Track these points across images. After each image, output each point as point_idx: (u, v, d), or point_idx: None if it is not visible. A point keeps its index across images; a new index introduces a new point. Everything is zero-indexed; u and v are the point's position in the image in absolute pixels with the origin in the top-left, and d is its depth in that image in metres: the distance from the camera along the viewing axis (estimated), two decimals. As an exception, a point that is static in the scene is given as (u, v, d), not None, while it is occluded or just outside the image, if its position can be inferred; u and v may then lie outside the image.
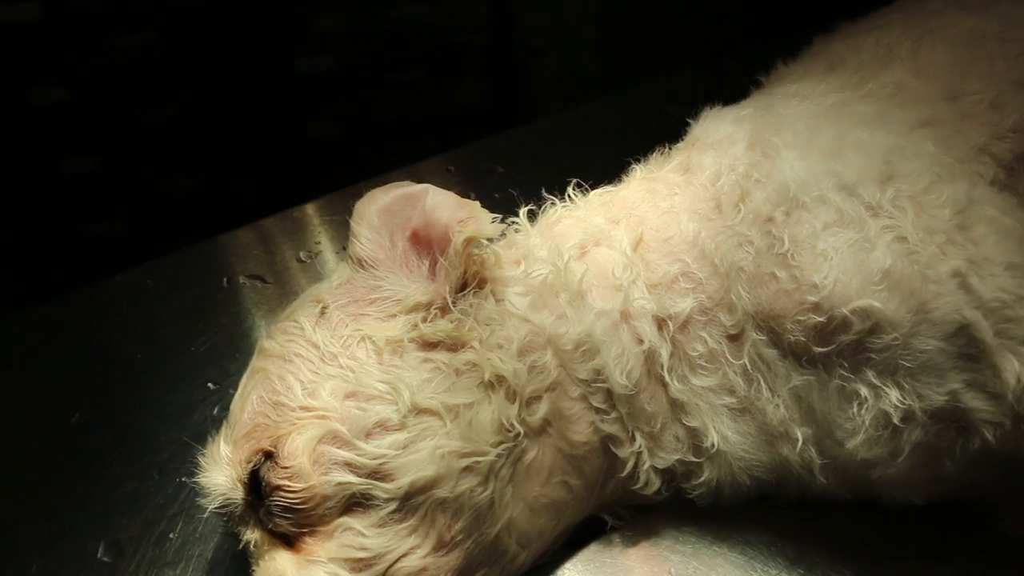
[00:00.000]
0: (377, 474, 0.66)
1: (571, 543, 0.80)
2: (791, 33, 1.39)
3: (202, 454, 0.73)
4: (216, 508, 0.69)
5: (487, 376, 0.70)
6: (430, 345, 0.71)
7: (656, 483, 0.77)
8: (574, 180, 0.86)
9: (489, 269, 0.75)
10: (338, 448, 0.67)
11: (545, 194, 0.85)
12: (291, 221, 1.16)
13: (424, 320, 0.72)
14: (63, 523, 0.84)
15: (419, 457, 0.67)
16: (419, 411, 0.68)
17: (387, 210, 0.76)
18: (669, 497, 0.79)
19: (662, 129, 0.94)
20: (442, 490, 0.67)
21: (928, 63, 0.85)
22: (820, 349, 0.70)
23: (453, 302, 0.72)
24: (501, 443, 0.70)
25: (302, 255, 1.12)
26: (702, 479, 0.77)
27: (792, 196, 0.73)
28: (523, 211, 0.82)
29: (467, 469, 0.68)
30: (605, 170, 0.91)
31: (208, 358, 0.99)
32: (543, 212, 0.84)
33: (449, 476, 0.67)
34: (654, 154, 0.89)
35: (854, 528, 0.80)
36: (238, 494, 0.69)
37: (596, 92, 2.29)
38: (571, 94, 2.36)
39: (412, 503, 0.67)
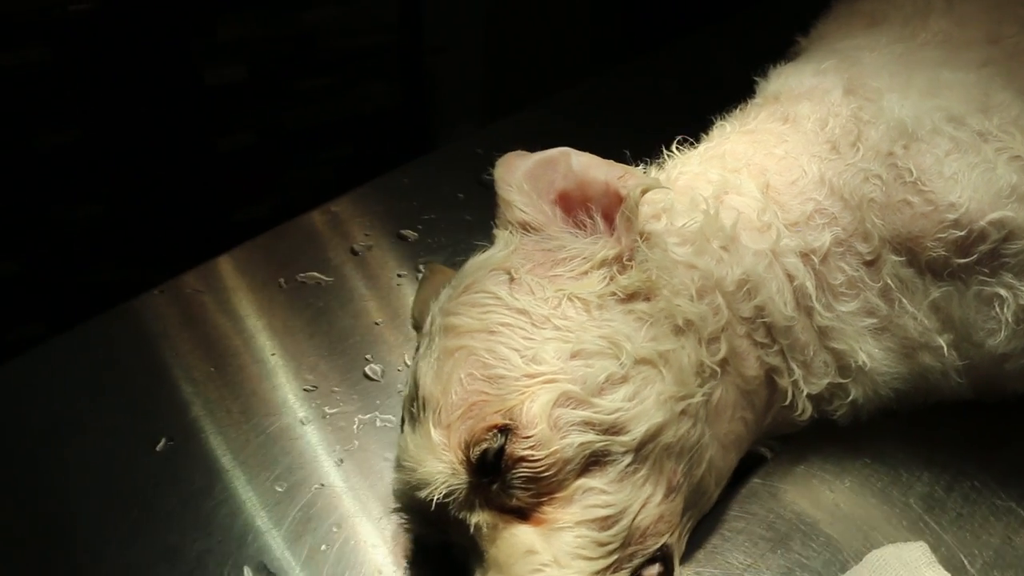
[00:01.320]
0: (613, 428, 0.68)
1: (731, 482, 0.84)
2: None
3: (401, 443, 0.72)
4: (440, 498, 0.68)
5: (680, 321, 0.74)
6: (628, 298, 0.74)
7: (810, 409, 0.83)
8: (679, 137, 0.90)
9: (643, 222, 0.78)
10: (574, 409, 0.68)
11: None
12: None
13: (617, 274, 0.74)
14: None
15: (647, 406, 0.69)
16: (638, 361, 0.70)
17: (532, 175, 0.78)
18: (809, 425, 0.85)
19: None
20: (667, 435, 0.70)
21: (964, 13, 0.96)
22: (961, 260, 0.79)
23: (635, 256, 0.75)
24: (703, 384, 0.74)
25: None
26: (848, 399, 0.83)
27: (910, 131, 0.82)
28: (641, 169, 0.85)
29: (683, 412, 0.72)
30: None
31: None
32: (655, 170, 0.88)
33: (672, 421, 0.70)
34: (735, 111, 0.96)
35: (962, 426, 0.89)
36: (462, 478, 0.68)
37: (496, 88, 2.34)
38: (469, 93, 2.40)
39: (643, 452, 0.69)
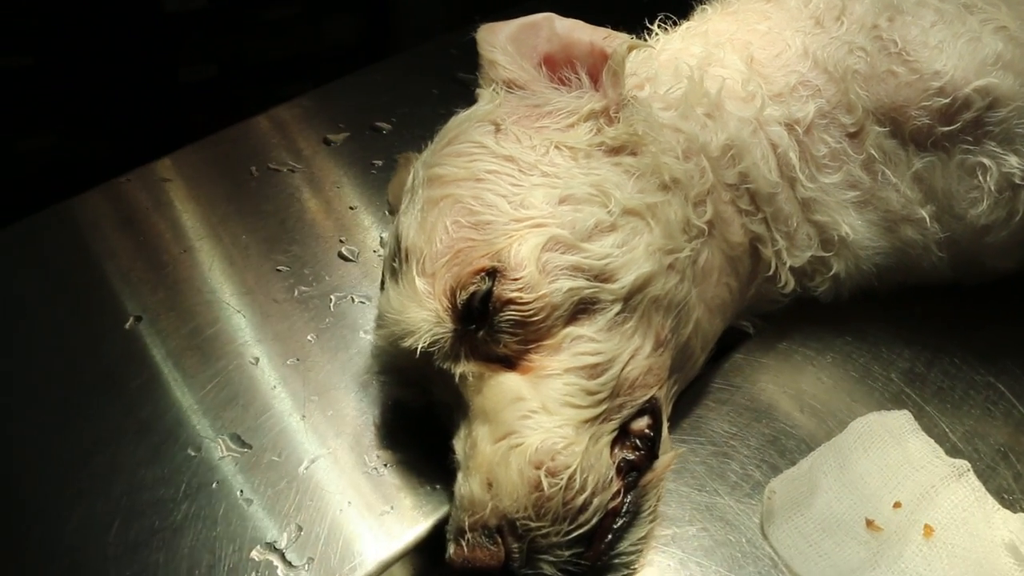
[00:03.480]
0: (602, 275, 0.67)
1: (714, 357, 0.84)
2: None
3: (383, 300, 0.70)
4: (425, 347, 0.66)
5: (667, 178, 0.73)
6: (615, 150, 0.73)
7: (792, 282, 0.83)
8: (661, 15, 0.89)
9: (631, 91, 0.77)
10: (563, 253, 0.67)
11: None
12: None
13: (604, 126, 0.73)
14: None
15: (636, 255, 0.69)
16: (626, 211, 0.70)
17: (515, 38, 0.78)
18: (792, 303, 0.85)
19: None
20: (655, 287, 0.69)
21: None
22: (945, 129, 0.79)
23: (621, 111, 0.74)
24: (689, 240, 0.73)
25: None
26: (829, 273, 0.83)
27: (895, 4, 0.82)
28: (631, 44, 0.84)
29: (671, 266, 0.71)
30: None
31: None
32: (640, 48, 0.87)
33: (660, 272, 0.70)
34: (715, -4, 0.95)
35: (943, 308, 0.89)
36: (447, 326, 0.67)
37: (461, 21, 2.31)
38: (433, 26, 2.36)
39: (632, 302, 0.68)
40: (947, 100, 0.78)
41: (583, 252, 0.67)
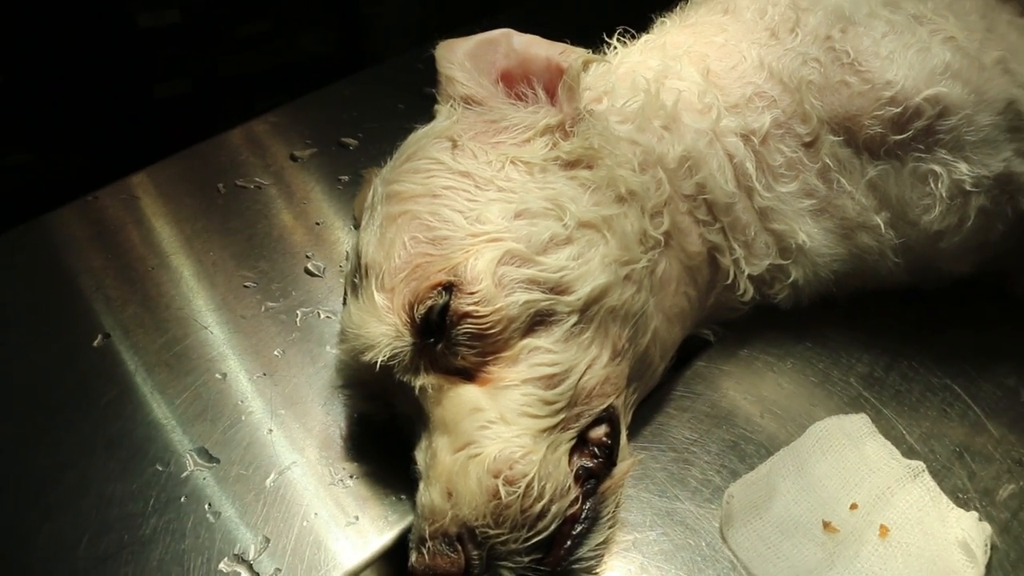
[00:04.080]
0: (558, 288, 0.69)
1: (675, 365, 0.85)
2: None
3: (345, 315, 0.71)
4: (384, 360, 0.67)
5: (623, 190, 0.74)
6: (571, 164, 0.74)
7: (751, 290, 0.84)
8: (620, 28, 0.91)
9: (585, 103, 0.79)
10: (518, 267, 0.68)
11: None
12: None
13: (560, 140, 0.75)
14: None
15: (592, 267, 0.70)
16: (581, 224, 0.71)
17: (473, 55, 0.79)
18: (752, 311, 0.87)
19: None
20: (611, 298, 0.71)
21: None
22: (897, 137, 0.81)
23: (577, 125, 0.76)
24: (645, 252, 0.75)
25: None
26: (788, 280, 0.85)
27: (847, 15, 0.84)
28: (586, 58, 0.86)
29: (627, 278, 0.72)
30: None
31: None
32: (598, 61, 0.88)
33: (616, 284, 0.71)
34: (676, 9, 0.96)
35: (902, 314, 0.91)
36: (405, 340, 0.68)
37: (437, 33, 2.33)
38: (406, 39, 2.38)
39: (588, 314, 0.70)
40: (899, 109, 0.80)
41: (538, 265, 0.68)
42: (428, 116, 0.81)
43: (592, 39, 0.86)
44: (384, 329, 0.68)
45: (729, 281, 0.83)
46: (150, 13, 1.95)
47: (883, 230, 0.83)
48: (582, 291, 0.69)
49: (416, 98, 1.11)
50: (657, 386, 0.82)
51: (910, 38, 0.82)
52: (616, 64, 0.87)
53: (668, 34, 0.91)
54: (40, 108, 1.96)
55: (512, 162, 0.72)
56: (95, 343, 0.85)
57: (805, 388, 0.84)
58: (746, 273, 0.84)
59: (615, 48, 0.90)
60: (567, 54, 0.77)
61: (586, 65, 0.76)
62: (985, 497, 0.77)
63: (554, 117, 0.75)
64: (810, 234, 0.83)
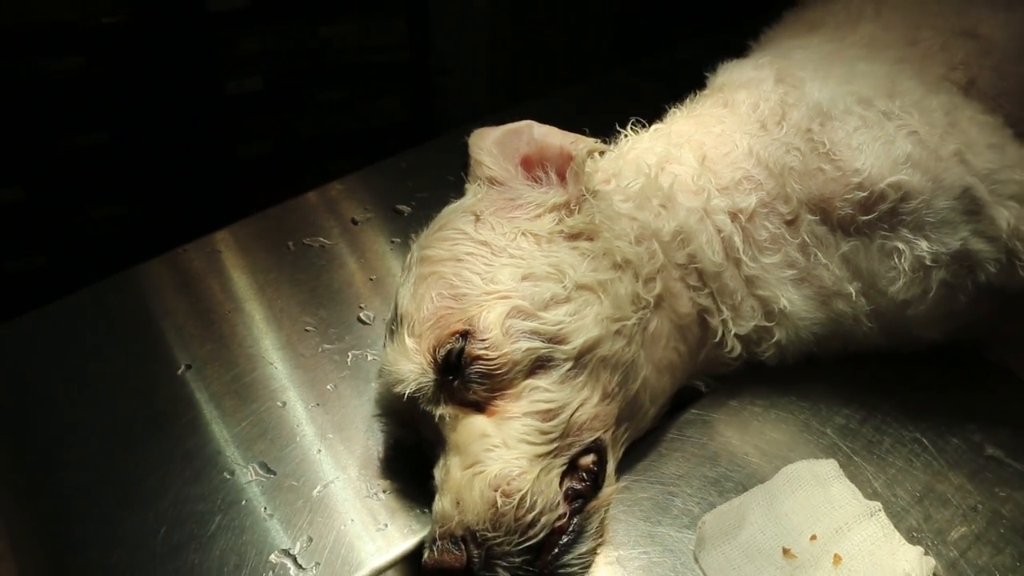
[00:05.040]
0: (556, 338, 0.82)
1: (671, 412, 0.97)
2: (684, 38, 1.65)
3: (383, 355, 0.86)
4: (411, 392, 0.82)
5: (619, 259, 0.88)
6: (574, 236, 0.88)
7: (738, 348, 0.96)
8: (633, 118, 1.05)
9: (595, 183, 0.93)
10: (523, 320, 0.82)
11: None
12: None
13: (565, 217, 0.89)
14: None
15: (586, 322, 0.83)
16: (579, 287, 0.85)
17: (500, 142, 0.94)
18: (743, 367, 0.99)
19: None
20: (603, 349, 0.84)
21: (889, 21, 1.12)
22: (864, 218, 0.93)
23: (581, 203, 0.90)
24: (637, 311, 0.88)
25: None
26: (772, 340, 0.97)
27: (825, 111, 0.96)
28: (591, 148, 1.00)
29: (618, 332, 0.86)
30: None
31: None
32: (612, 146, 1.03)
33: (607, 337, 0.84)
34: (685, 100, 1.11)
35: (882, 373, 1.02)
36: (429, 376, 0.82)
37: (500, 106, 2.50)
38: (474, 110, 2.56)
39: (582, 361, 0.83)
40: (865, 193, 0.92)
41: (540, 319, 0.82)
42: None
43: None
44: (412, 367, 0.83)
45: (718, 340, 0.95)
46: (236, 81, 2.16)
47: (855, 298, 0.95)
48: (576, 342, 0.82)
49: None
50: (653, 429, 0.95)
51: (878, 132, 0.94)
52: (627, 149, 1.01)
53: (675, 123, 1.05)
54: (136, 165, 2.18)
55: (523, 234, 0.87)
56: (178, 372, 1.02)
57: (786, 436, 0.96)
58: (733, 332, 0.96)
59: (627, 136, 1.04)
60: (577, 143, 0.92)
61: (590, 153, 0.91)
62: (937, 537, 0.87)
63: (561, 197, 0.90)
64: (791, 300, 0.95)
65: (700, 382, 0.99)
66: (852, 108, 0.96)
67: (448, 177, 1.26)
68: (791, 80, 1.01)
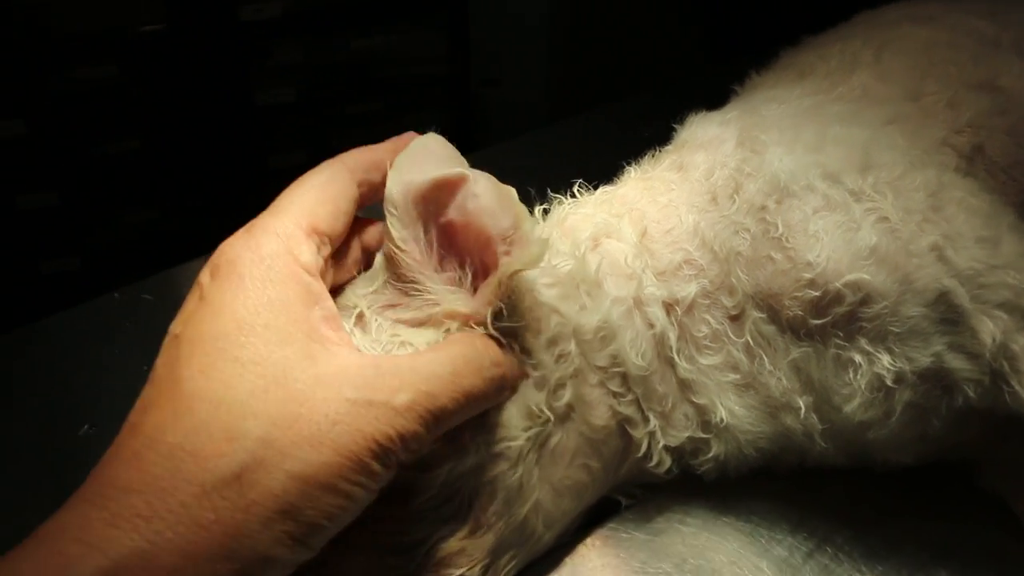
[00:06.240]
0: (422, 464, 0.66)
1: (586, 523, 0.84)
2: (740, 57, 1.49)
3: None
4: None
5: None
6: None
7: (668, 461, 0.81)
8: (578, 181, 0.91)
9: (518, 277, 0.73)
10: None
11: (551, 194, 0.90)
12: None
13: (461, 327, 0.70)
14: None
15: (458, 444, 0.68)
16: None
17: (423, 198, 0.71)
18: (677, 475, 0.84)
19: (630, 147, 1.00)
20: (476, 477, 0.69)
21: (889, 69, 0.94)
22: (816, 321, 0.77)
23: (490, 322, 0.70)
24: (529, 428, 0.72)
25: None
26: (710, 454, 0.82)
27: (783, 186, 0.80)
28: (538, 209, 0.86)
29: (498, 455, 0.70)
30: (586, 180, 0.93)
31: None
32: (552, 209, 0.89)
33: (482, 462, 0.69)
34: (645, 157, 0.96)
35: (846, 492, 0.86)
36: None
37: (549, 119, 2.38)
38: (523, 123, 2.44)
39: (447, 491, 0.68)
40: (818, 293, 0.76)
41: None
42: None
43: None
44: None
45: (642, 453, 0.80)
46: (268, 91, 2.12)
47: (805, 413, 0.79)
48: (439, 469, 0.67)
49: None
50: (566, 541, 0.82)
51: (842, 216, 0.78)
52: (564, 215, 0.86)
53: (625, 186, 0.91)
54: (168, 172, 2.17)
55: (402, 344, 0.69)
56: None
57: (710, 566, 0.81)
58: (662, 445, 0.81)
59: (565, 201, 0.88)
60: (511, 242, 0.68)
61: (515, 275, 0.70)
62: None
63: (464, 307, 0.70)
64: (732, 410, 0.80)
65: (620, 495, 0.85)
66: (815, 184, 0.80)
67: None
68: (753, 144, 0.85)
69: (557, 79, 2.37)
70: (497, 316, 0.71)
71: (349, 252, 0.76)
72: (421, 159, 0.73)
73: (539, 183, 0.92)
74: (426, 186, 0.71)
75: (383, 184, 0.72)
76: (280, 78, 2.12)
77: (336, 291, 0.75)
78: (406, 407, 0.57)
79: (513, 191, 0.73)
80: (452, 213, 0.72)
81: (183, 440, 0.51)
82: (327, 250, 0.68)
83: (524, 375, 0.73)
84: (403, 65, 2.19)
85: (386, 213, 0.72)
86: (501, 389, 0.69)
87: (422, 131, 0.78)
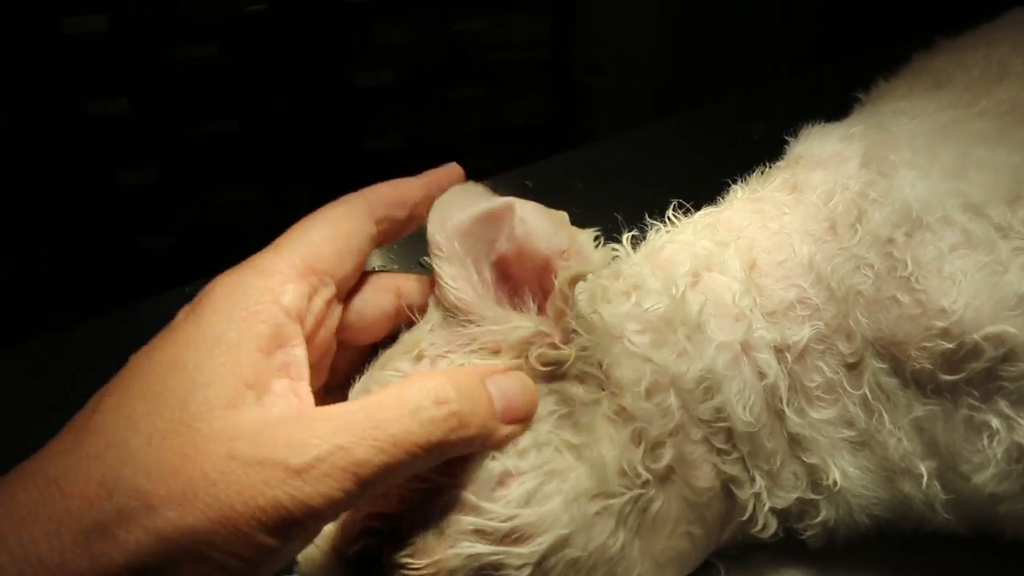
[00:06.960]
0: (510, 537, 0.59)
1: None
2: (863, 53, 1.37)
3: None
4: None
5: (610, 412, 0.64)
6: (550, 373, 0.64)
7: (774, 525, 0.71)
8: (675, 201, 0.82)
9: (598, 304, 0.68)
10: (464, 515, 0.58)
11: (631, 212, 0.80)
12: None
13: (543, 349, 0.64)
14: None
15: (552, 507, 0.59)
16: (542, 446, 0.61)
17: (468, 234, 0.66)
18: (780, 541, 0.75)
19: (738, 148, 0.90)
20: (575, 547, 0.60)
21: (1046, 80, 0.81)
22: (947, 377, 0.66)
23: (564, 341, 0.64)
24: (631, 487, 0.63)
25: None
26: (818, 519, 0.71)
27: (915, 217, 0.69)
28: (626, 237, 0.76)
29: (598, 514, 0.62)
30: (686, 188, 0.85)
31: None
32: (647, 237, 0.79)
33: (583, 527, 0.61)
34: (754, 174, 0.86)
35: (964, 560, 0.75)
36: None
37: (655, 111, 2.27)
38: (629, 113, 2.34)
39: (544, 567, 0.59)
40: (952, 345, 0.65)
41: (485, 513, 0.58)
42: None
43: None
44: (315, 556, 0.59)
45: (746, 517, 0.71)
46: (367, 73, 2.09)
47: (926, 481, 0.69)
48: (539, 541, 0.58)
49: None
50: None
51: (984, 256, 0.66)
52: (659, 246, 0.76)
53: (730, 208, 0.81)
54: (264, 153, 2.16)
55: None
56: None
57: (809, 640, 0.72)
58: (767, 507, 0.70)
59: (661, 228, 0.78)
60: (568, 254, 0.64)
61: (575, 282, 0.63)
62: None
63: (532, 329, 0.64)
64: (845, 471, 0.70)
65: (714, 557, 0.76)
66: (953, 216, 0.69)
67: (573, 209, 1.09)
68: (880, 164, 0.74)
69: (664, 68, 2.27)
70: (580, 357, 0.63)
71: (376, 304, 0.68)
72: (461, 199, 0.67)
73: (634, 186, 0.83)
74: (469, 221, 0.65)
75: (409, 221, 0.68)
76: (380, 60, 2.08)
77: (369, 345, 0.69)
78: (307, 466, 0.47)
79: (564, 214, 0.67)
80: (503, 246, 0.66)
81: (60, 475, 0.45)
82: (328, 291, 0.62)
83: (527, 416, 0.62)
84: (505, 49, 2.12)
85: (432, 257, 0.66)
86: (458, 429, 0.56)
87: (463, 162, 0.70)
